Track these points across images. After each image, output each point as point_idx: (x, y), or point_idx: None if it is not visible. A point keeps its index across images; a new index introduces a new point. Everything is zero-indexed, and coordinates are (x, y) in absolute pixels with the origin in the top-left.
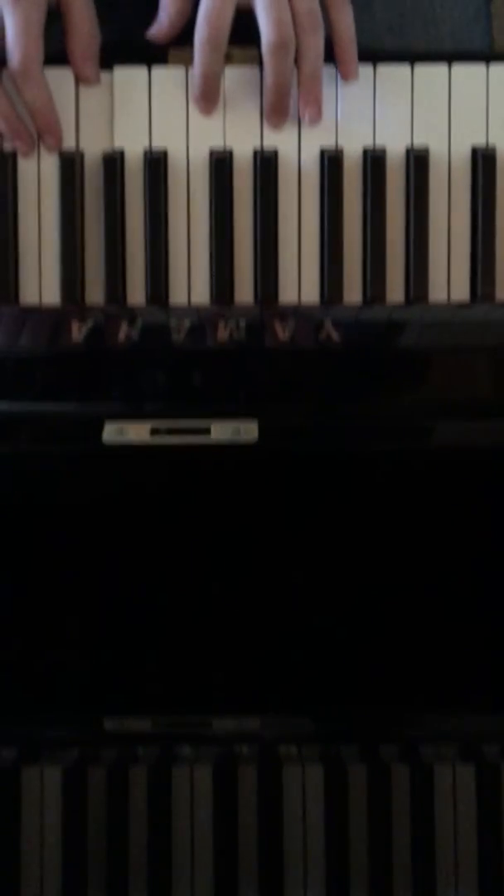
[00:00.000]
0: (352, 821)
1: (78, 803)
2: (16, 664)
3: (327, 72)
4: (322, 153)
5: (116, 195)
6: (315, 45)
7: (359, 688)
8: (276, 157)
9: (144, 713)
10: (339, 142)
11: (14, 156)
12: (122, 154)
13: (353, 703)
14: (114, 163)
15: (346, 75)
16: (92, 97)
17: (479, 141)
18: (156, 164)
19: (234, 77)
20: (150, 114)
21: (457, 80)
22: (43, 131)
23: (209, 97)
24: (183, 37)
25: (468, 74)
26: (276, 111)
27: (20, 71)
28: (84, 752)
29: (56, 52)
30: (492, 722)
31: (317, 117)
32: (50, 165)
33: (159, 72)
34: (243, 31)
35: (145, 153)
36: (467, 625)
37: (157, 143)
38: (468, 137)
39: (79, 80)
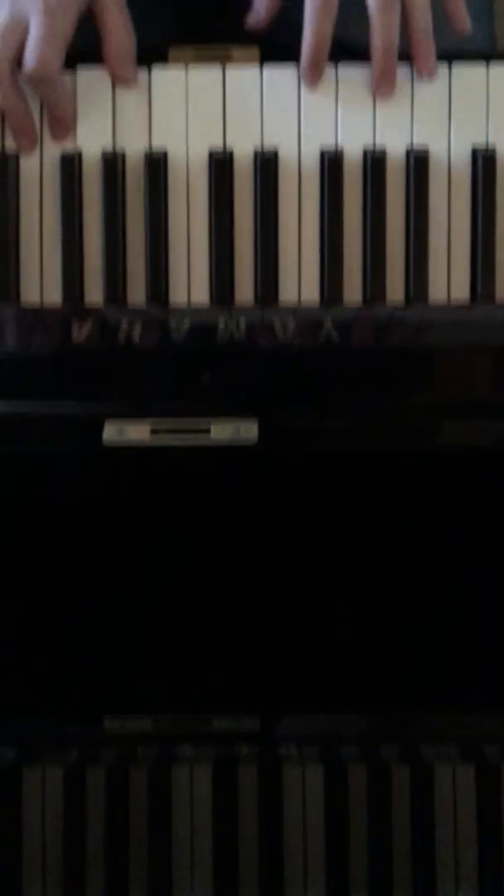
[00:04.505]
0: (352, 821)
1: (78, 803)
2: (16, 664)
3: (327, 71)
4: (322, 153)
5: (116, 195)
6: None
7: (359, 688)
8: (276, 157)
9: (144, 713)
10: (339, 142)
11: (16, 157)
12: (122, 154)
13: (353, 704)
14: (114, 163)
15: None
16: (92, 97)
17: (479, 141)
18: (156, 164)
19: (235, 77)
20: (150, 114)
21: (457, 80)
22: (54, 125)
23: (318, 65)
24: (183, 37)
25: (469, 74)
26: (385, 78)
27: (34, 75)
28: (84, 752)
29: None
30: (492, 722)
31: (434, 73)
32: (51, 165)
33: (159, 72)
34: (243, 31)
35: (145, 153)
36: (468, 625)
37: (157, 143)
38: (468, 137)
39: (116, 83)
